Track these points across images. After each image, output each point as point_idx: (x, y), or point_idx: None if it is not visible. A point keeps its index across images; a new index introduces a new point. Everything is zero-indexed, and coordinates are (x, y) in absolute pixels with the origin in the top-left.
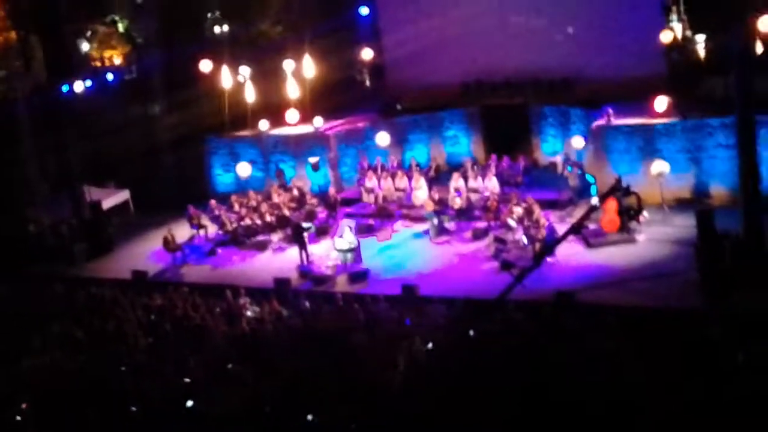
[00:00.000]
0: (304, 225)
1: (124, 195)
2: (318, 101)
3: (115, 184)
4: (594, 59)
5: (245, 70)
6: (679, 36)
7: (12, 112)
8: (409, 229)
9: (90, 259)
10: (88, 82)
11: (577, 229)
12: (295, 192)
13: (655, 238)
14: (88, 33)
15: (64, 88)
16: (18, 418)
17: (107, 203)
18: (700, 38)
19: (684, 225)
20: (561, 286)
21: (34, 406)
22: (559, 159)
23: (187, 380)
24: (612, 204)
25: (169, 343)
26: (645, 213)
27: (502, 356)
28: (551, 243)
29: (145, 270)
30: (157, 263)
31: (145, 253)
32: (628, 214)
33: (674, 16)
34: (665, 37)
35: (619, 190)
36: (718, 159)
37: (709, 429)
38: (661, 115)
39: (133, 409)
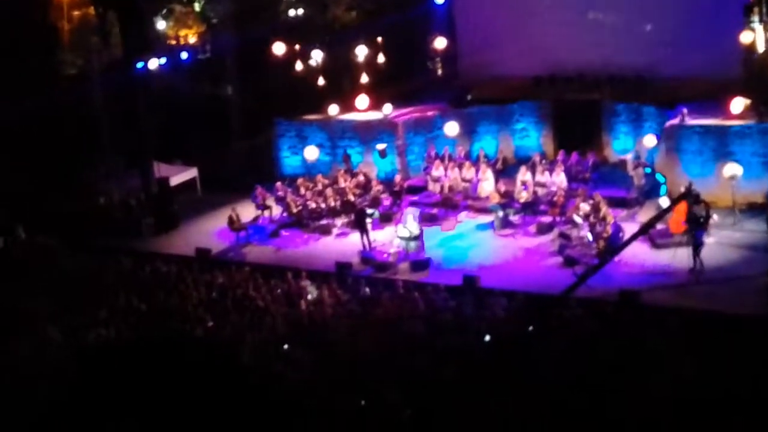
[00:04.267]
0: (368, 211)
1: (191, 172)
2: (388, 88)
3: (182, 162)
4: (670, 58)
5: (318, 54)
6: (761, 37)
7: (89, 87)
8: (473, 220)
9: (156, 235)
10: (163, 60)
11: (645, 231)
12: (361, 178)
13: (724, 242)
14: (165, 11)
15: (140, 65)
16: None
17: (175, 180)
18: None
19: (755, 230)
20: (625, 285)
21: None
22: (629, 157)
23: (245, 358)
24: (682, 205)
25: (229, 320)
26: (715, 216)
27: (560, 352)
28: (618, 245)
29: (208, 248)
30: (221, 242)
31: (209, 231)
32: (698, 223)
33: (756, 17)
34: (746, 37)
35: (689, 196)
36: None
37: None
38: (737, 117)
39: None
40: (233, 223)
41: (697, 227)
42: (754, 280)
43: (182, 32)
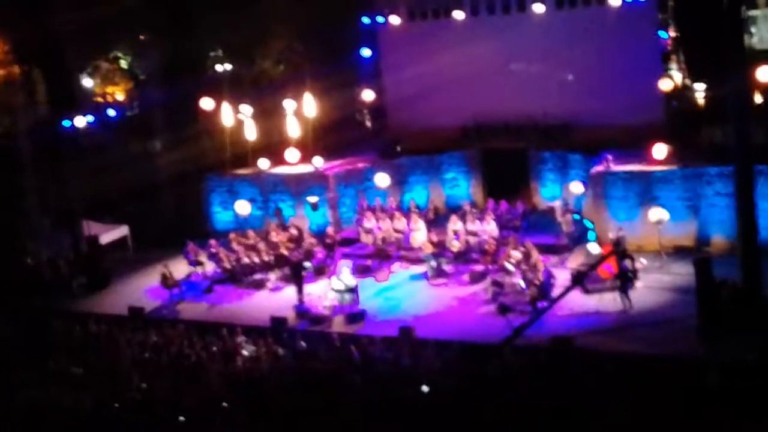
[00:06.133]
0: (304, 264)
1: (122, 230)
2: (318, 141)
3: (112, 220)
4: (593, 105)
5: (246, 109)
6: (679, 84)
7: (14, 146)
8: (406, 270)
9: (87, 294)
10: (90, 118)
11: (578, 282)
12: (294, 231)
13: (653, 285)
14: (90, 68)
15: (66, 123)
16: None
17: (105, 238)
18: (700, 86)
19: (682, 272)
20: (558, 331)
21: None
22: (557, 204)
23: (182, 418)
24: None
25: (165, 380)
26: (643, 260)
27: (497, 400)
28: (550, 294)
29: (141, 306)
30: (154, 300)
31: (142, 289)
32: (626, 277)
33: (674, 65)
34: (665, 84)
35: (617, 252)
36: (716, 207)
37: None
38: (660, 163)
39: None
40: (166, 281)
41: (626, 281)
42: (683, 322)
43: (109, 89)
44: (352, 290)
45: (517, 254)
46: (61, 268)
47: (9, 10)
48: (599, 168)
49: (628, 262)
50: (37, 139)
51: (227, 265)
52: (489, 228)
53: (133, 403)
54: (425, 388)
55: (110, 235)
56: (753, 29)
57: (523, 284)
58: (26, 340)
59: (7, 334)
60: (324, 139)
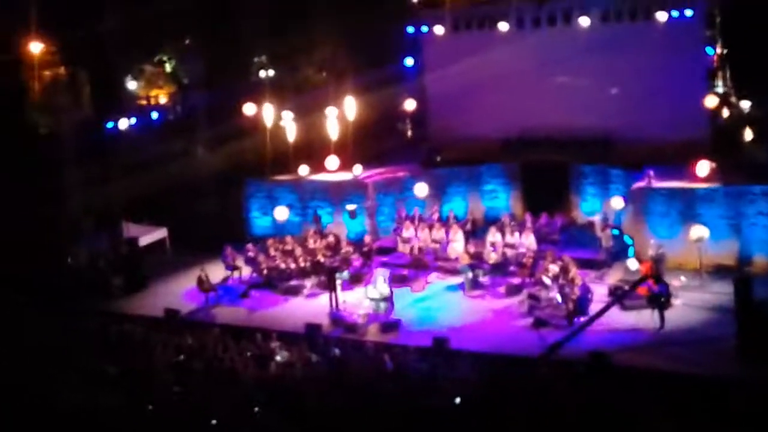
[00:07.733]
0: (342, 274)
1: (161, 233)
2: (359, 149)
3: (151, 222)
4: (637, 121)
5: (288, 115)
6: (725, 101)
7: (58, 146)
8: (443, 281)
9: (125, 296)
10: (133, 120)
11: (618, 298)
12: (331, 238)
13: (691, 303)
14: (135, 71)
15: (110, 125)
16: None
17: (144, 240)
18: (746, 104)
19: (722, 292)
20: (594, 346)
21: None
22: (597, 219)
23: (214, 422)
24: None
25: (198, 383)
26: (682, 278)
27: (530, 415)
28: (588, 310)
29: (177, 309)
30: (190, 303)
31: (179, 292)
32: (659, 302)
33: (720, 82)
34: (710, 101)
35: (653, 276)
36: (759, 226)
37: None
38: (703, 180)
39: None
40: (202, 284)
41: (657, 306)
42: (721, 343)
43: (153, 92)
44: (388, 299)
45: (554, 268)
46: (100, 269)
47: (56, 11)
48: (641, 183)
49: (662, 285)
50: (81, 140)
51: (264, 271)
52: (527, 241)
53: (167, 405)
54: (458, 400)
55: (149, 237)
56: None
57: (559, 299)
58: (66, 341)
59: (48, 334)
60: (364, 146)
